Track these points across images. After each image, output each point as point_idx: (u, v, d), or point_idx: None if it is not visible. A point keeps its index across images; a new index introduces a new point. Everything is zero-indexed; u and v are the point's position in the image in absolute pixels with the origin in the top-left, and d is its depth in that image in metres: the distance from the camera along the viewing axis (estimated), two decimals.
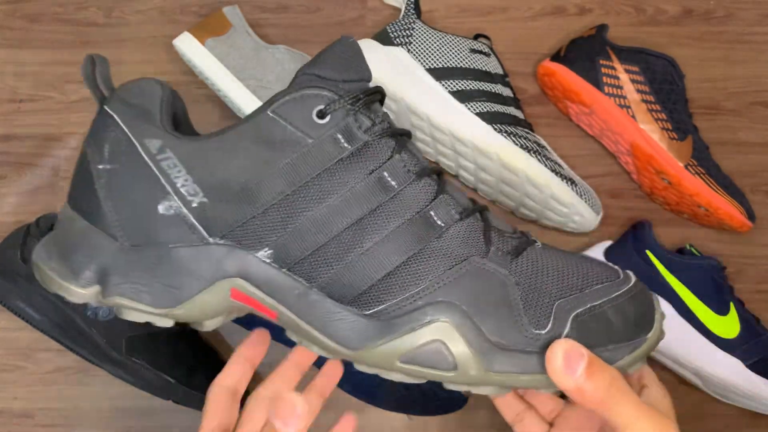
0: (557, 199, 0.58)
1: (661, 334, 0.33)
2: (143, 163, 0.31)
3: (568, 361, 0.30)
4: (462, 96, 0.59)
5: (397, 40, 0.61)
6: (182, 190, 0.31)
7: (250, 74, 0.60)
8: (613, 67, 0.60)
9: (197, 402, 0.56)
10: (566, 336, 0.31)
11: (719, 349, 0.55)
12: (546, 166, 0.57)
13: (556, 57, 0.63)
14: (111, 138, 0.32)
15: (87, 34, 0.67)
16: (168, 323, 0.32)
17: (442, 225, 0.32)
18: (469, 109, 0.58)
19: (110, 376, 0.56)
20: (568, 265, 0.34)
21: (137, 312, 0.32)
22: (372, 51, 0.61)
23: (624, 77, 0.60)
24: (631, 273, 0.36)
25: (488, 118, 0.58)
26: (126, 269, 0.31)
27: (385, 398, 0.57)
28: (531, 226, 0.64)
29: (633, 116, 0.59)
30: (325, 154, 0.31)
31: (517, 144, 0.58)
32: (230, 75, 0.60)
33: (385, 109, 0.40)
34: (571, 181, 0.58)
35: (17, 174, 0.64)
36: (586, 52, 0.61)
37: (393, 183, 0.31)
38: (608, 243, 0.60)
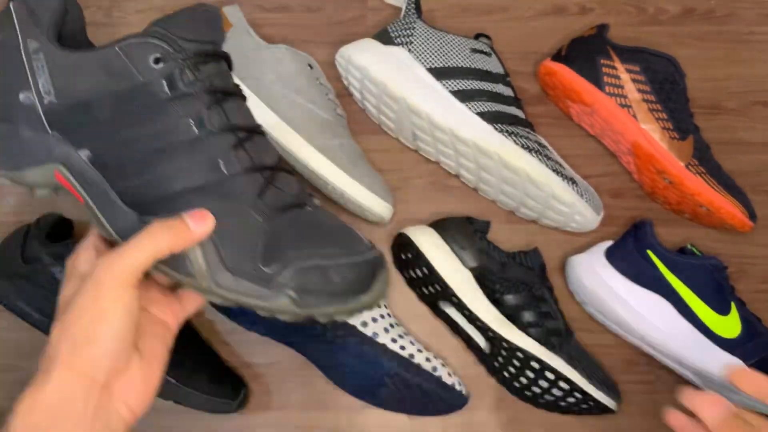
0: (558, 199, 0.58)
1: (375, 302, 0.41)
2: (20, 58, 0.39)
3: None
4: (463, 96, 0.59)
5: (398, 39, 0.61)
6: (41, 87, 0.38)
7: (250, 74, 0.60)
8: (614, 67, 0.60)
9: (197, 402, 0.56)
10: (283, 277, 0.39)
11: (720, 349, 0.55)
12: (547, 165, 0.57)
13: (557, 56, 0.63)
14: (4, 31, 0.40)
15: (87, 33, 0.67)
16: (4, 182, 0.42)
17: (226, 173, 0.39)
18: (470, 108, 0.58)
19: None
20: (321, 230, 0.41)
21: None
22: (373, 50, 0.61)
23: (625, 77, 0.60)
24: (379, 254, 0.42)
25: (489, 117, 0.58)
26: None
27: (386, 398, 0.57)
28: (531, 226, 0.63)
29: (634, 116, 0.59)
30: (148, 92, 0.38)
31: (518, 144, 0.58)
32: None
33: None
34: (572, 181, 0.58)
35: None
36: (587, 52, 0.61)
37: (195, 130, 0.39)
38: (609, 243, 0.60)
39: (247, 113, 0.43)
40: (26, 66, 0.39)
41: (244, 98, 0.43)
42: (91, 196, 0.40)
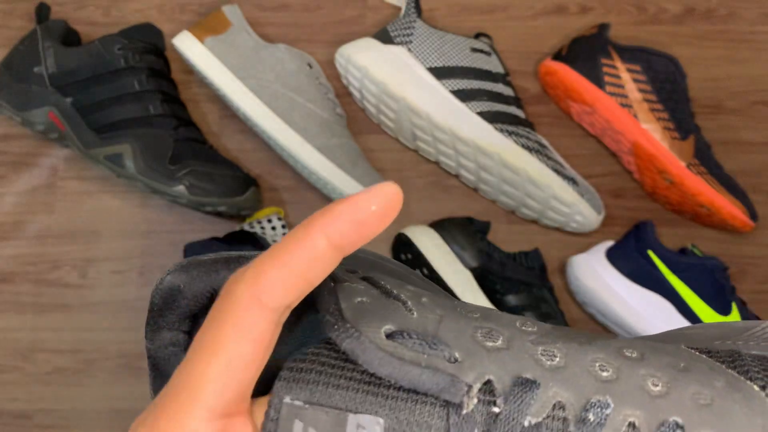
0: (559, 199, 0.57)
1: (245, 206, 0.61)
2: (37, 49, 0.62)
3: None
4: (463, 95, 0.59)
5: (398, 39, 0.60)
6: (48, 64, 0.61)
7: (249, 73, 0.59)
8: (614, 66, 0.60)
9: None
10: (181, 173, 0.59)
11: None
12: (547, 165, 0.57)
13: (557, 56, 0.63)
14: (31, 37, 0.62)
15: (87, 32, 0.67)
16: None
17: (153, 113, 0.61)
18: (470, 108, 0.58)
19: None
20: (215, 157, 0.62)
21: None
22: (372, 50, 0.60)
23: (626, 76, 0.60)
24: (254, 177, 0.63)
25: (489, 117, 0.58)
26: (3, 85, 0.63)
27: None
28: (532, 226, 0.63)
29: (635, 115, 0.59)
30: (112, 65, 0.60)
31: (518, 143, 0.57)
32: (230, 74, 0.60)
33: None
34: (573, 181, 0.58)
35: (15, 173, 0.64)
36: (587, 51, 0.61)
37: (137, 87, 0.60)
38: (610, 243, 0.59)
39: (173, 88, 0.64)
40: (41, 54, 0.62)
41: (171, 80, 0.64)
42: (71, 125, 0.61)
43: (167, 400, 0.21)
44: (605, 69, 0.60)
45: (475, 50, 0.61)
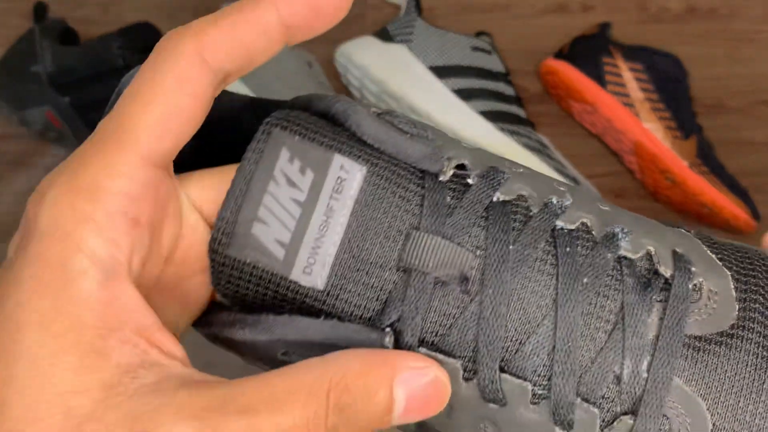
0: None
1: None
2: (35, 49, 0.61)
3: None
4: (464, 94, 0.58)
5: (398, 37, 0.60)
6: (46, 62, 0.60)
7: (249, 72, 0.59)
8: (616, 65, 0.60)
9: None
10: None
11: None
12: (549, 165, 0.57)
13: (558, 55, 0.63)
14: (28, 36, 0.62)
15: (85, 31, 0.67)
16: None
17: None
18: (471, 107, 0.58)
19: None
20: None
21: None
22: (372, 49, 0.60)
23: (627, 75, 0.59)
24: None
25: (490, 116, 0.58)
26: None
27: None
28: None
29: (637, 115, 0.59)
30: (110, 63, 0.60)
31: (519, 143, 0.57)
32: None
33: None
34: (574, 181, 0.58)
35: (13, 173, 0.64)
36: (589, 50, 0.61)
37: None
38: None
39: None
40: (39, 52, 0.60)
41: None
42: (69, 125, 0.61)
43: (90, 152, 0.19)
44: (607, 68, 0.60)
45: (475, 49, 0.60)
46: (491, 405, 0.21)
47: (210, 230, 0.21)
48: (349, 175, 0.21)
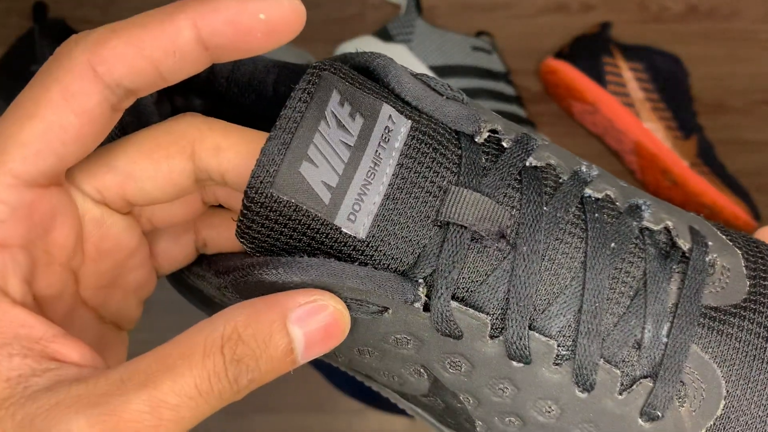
0: None
1: None
2: (34, 47, 0.61)
3: None
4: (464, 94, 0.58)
5: (398, 37, 0.60)
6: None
7: None
8: (616, 65, 0.60)
9: None
10: None
11: None
12: None
13: (559, 54, 0.62)
14: (27, 37, 0.63)
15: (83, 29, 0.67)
16: None
17: (150, 110, 0.48)
18: None
19: None
20: None
21: None
22: (372, 48, 0.60)
23: (628, 75, 0.59)
24: None
25: None
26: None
27: (386, 400, 0.56)
28: None
29: (637, 114, 0.59)
30: None
31: None
32: None
33: None
34: None
35: None
36: (589, 50, 0.61)
37: None
38: None
39: (170, 87, 0.58)
40: (39, 53, 0.60)
41: None
42: None
43: None
44: (607, 68, 0.60)
45: (476, 49, 0.60)
46: (515, 363, 0.21)
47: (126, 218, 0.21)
48: (395, 126, 0.20)
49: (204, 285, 0.25)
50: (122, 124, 0.24)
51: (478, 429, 0.24)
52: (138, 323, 0.25)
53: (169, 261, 0.24)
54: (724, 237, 0.24)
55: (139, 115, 0.25)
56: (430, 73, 0.59)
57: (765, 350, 0.21)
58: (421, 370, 0.22)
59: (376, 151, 0.20)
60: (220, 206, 0.24)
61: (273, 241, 0.20)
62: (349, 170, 0.19)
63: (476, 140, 0.22)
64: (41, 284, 0.19)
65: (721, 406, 0.21)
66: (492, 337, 0.21)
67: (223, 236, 0.25)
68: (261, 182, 0.19)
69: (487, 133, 0.22)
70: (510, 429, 0.23)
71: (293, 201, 0.19)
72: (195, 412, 0.17)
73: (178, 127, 0.21)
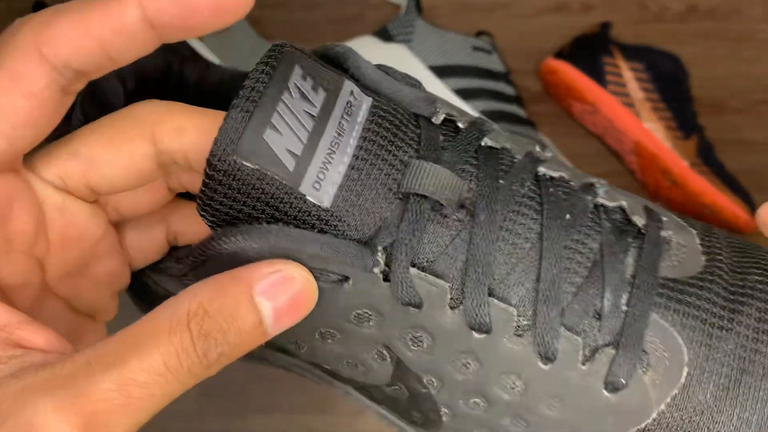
0: None
1: None
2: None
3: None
4: (464, 94, 0.58)
5: (398, 37, 0.60)
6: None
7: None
8: (616, 65, 0.60)
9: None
10: None
11: None
12: None
13: (559, 54, 0.62)
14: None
15: None
16: None
17: None
18: (471, 107, 0.58)
19: None
20: None
21: None
22: (372, 48, 0.60)
23: (628, 75, 0.59)
24: None
25: (490, 116, 0.58)
26: None
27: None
28: None
29: (637, 114, 0.59)
30: None
31: None
32: None
33: None
34: None
35: None
36: (589, 50, 0.61)
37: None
38: None
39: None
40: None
41: None
42: (68, 123, 0.59)
43: None
44: (607, 68, 0.60)
45: (476, 48, 0.60)
46: (475, 334, 0.21)
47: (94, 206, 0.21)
48: (357, 102, 0.21)
49: (163, 279, 0.25)
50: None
51: (443, 418, 0.24)
52: (119, 316, 0.25)
53: (140, 254, 0.24)
54: (678, 219, 0.24)
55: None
56: (431, 73, 0.59)
57: (723, 318, 0.22)
58: (384, 352, 0.23)
59: (340, 122, 0.20)
60: (191, 199, 0.24)
61: (236, 213, 0.20)
62: (314, 139, 0.20)
63: (433, 121, 0.23)
64: (3, 272, 0.19)
65: (684, 373, 0.21)
66: (452, 308, 0.21)
67: (193, 229, 0.25)
68: (224, 149, 0.19)
69: (443, 115, 0.23)
70: (475, 411, 0.23)
71: (257, 167, 0.19)
72: (165, 389, 0.17)
73: (138, 112, 0.21)
